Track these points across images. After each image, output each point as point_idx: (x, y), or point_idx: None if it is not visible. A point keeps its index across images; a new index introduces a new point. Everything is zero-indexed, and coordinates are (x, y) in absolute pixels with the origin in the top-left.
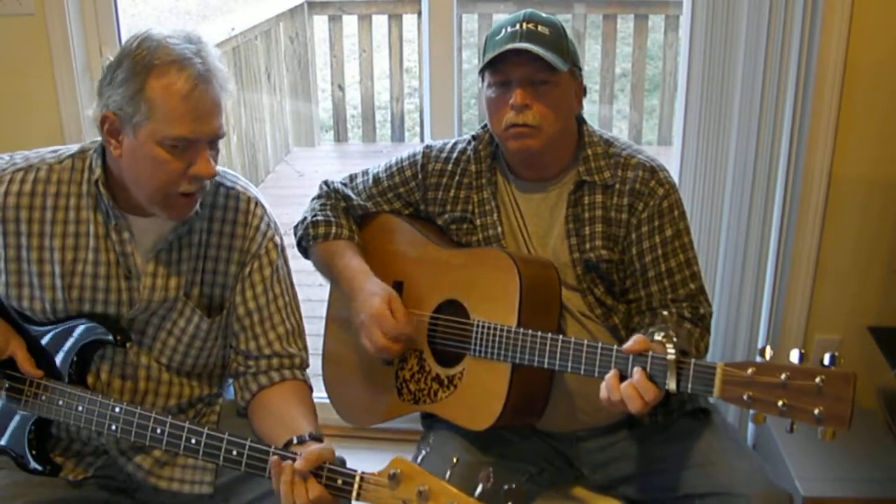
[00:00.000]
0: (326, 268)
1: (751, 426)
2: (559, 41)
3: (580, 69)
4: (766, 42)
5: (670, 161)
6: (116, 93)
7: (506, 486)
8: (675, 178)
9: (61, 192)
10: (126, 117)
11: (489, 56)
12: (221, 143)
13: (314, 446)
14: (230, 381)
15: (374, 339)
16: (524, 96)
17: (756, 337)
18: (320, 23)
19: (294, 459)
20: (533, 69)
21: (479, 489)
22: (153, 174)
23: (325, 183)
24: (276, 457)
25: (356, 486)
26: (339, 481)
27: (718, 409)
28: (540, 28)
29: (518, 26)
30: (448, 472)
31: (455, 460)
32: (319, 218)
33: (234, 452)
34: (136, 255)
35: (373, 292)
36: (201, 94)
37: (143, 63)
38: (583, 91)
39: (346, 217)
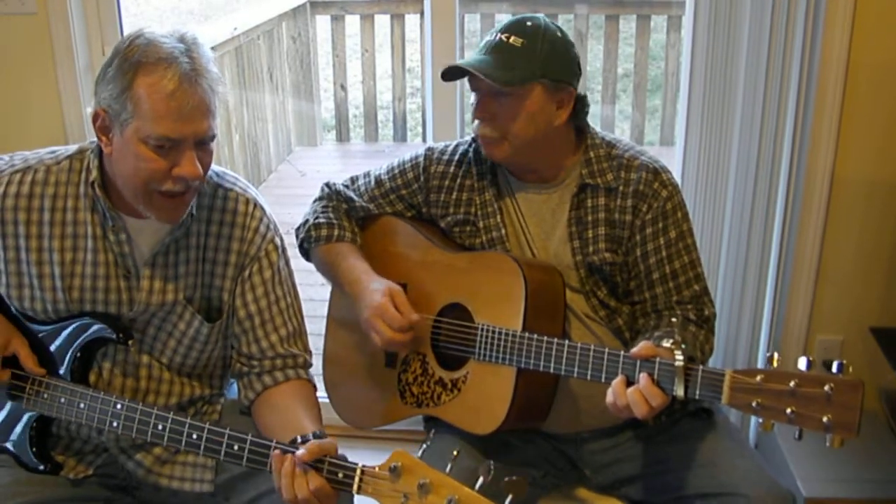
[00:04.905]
0: (329, 270)
1: (753, 427)
2: (527, 54)
3: (562, 81)
4: (768, 42)
5: (672, 161)
6: (106, 90)
7: (506, 479)
8: (678, 179)
9: (59, 194)
10: (115, 115)
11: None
12: (223, 143)
13: (317, 441)
14: (233, 381)
15: (380, 332)
16: (484, 109)
17: (758, 337)
18: (323, 22)
19: (295, 453)
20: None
21: (480, 482)
22: (136, 172)
23: (327, 185)
24: (277, 451)
25: (357, 479)
26: (340, 475)
27: (721, 410)
28: (512, 40)
29: (494, 36)
30: (449, 466)
31: (455, 453)
32: (321, 220)
33: (236, 447)
34: (134, 255)
35: (375, 289)
36: (186, 94)
37: (131, 61)
38: (573, 99)
39: (347, 219)
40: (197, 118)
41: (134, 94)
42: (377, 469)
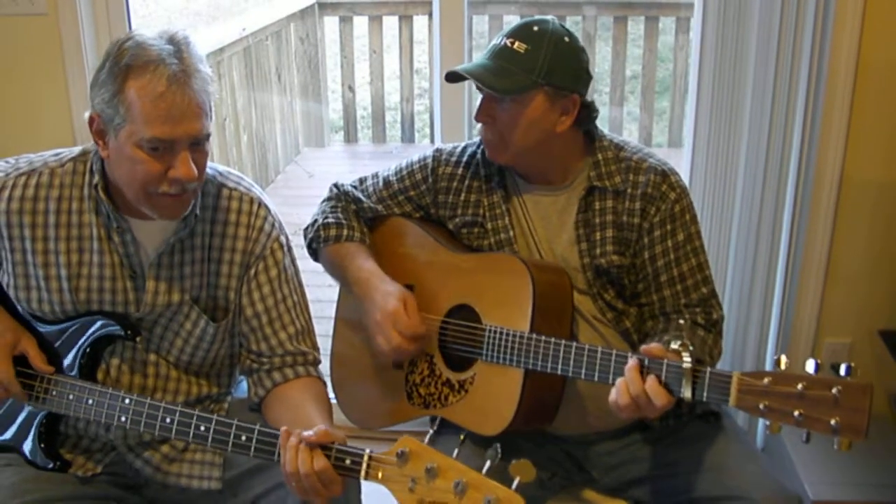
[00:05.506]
0: (338, 270)
1: (760, 429)
2: (530, 61)
3: (565, 88)
4: (777, 43)
5: (681, 163)
6: (99, 94)
7: (514, 461)
8: (686, 181)
9: (63, 196)
10: (108, 119)
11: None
12: (232, 144)
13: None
14: (240, 379)
15: (389, 336)
16: (485, 112)
17: (766, 340)
18: (331, 23)
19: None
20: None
21: (487, 465)
22: (132, 175)
23: (336, 185)
24: (285, 427)
25: (364, 465)
26: (348, 461)
27: (728, 413)
28: (516, 45)
29: (500, 41)
30: (456, 451)
31: (462, 438)
32: (330, 220)
33: (244, 438)
34: (139, 256)
35: (388, 292)
36: (175, 95)
37: (120, 65)
38: (577, 106)
39: (356, 219)
40: (188, 118)
41: (125, 97)
42: (385, 455)
